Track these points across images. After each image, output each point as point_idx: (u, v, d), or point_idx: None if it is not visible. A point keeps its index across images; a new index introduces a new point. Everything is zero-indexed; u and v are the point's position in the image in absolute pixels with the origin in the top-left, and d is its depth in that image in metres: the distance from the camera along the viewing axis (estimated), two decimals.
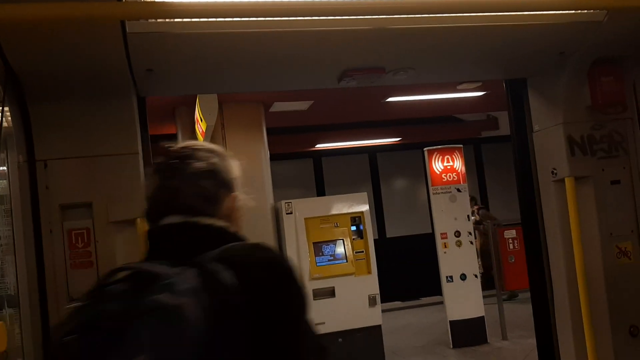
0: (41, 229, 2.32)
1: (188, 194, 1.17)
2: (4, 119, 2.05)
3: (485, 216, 9.19)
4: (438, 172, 7.42)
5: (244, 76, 2.67)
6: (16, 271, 2.13)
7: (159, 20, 2.07)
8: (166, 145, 1.24)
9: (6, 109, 2.15)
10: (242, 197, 1.26)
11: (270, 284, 1.08)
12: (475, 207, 9.37)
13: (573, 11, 2.41)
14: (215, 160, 1.22)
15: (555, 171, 2.94)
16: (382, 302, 6.32)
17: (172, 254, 1.10)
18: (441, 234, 7.29)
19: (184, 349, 0.95)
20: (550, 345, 3.08)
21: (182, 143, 1.25)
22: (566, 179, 2.87)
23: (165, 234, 1.16)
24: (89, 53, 2.10)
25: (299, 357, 1.08)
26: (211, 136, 5.31)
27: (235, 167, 1.27)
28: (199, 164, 1.18)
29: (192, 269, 1.03)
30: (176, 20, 2.08)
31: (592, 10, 2.42)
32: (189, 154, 1.20)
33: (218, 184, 1.20)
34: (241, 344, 1.01)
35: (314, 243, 5.99)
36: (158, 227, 1.18)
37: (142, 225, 2.38)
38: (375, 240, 6.86)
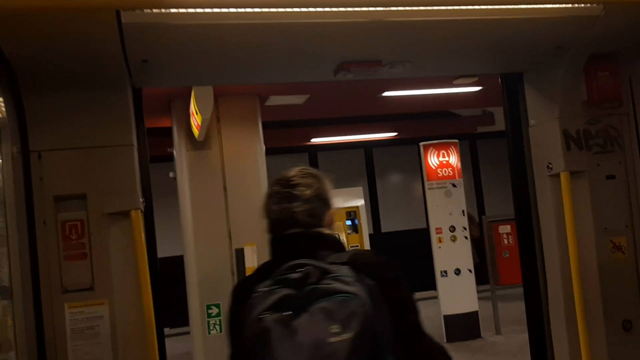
0: (35, 221, 2.30)
1: (303, 214, 1.56)
2: None
3: None
4: (433, 167, 7.44)
5: (240, 68, 2.66)
6: (9, 263, 2.13)
7: (154, 10, 2.05)
8: (281, 175, 1.64)
9: (0, 99, 2.13)
10: (335, 210, 1.67)
11: (392, 276, 1.51)
12: None
13: (570, 5, 2.41)
14: (318, 185, 1.62)
15: (550, 166, 2.94)
16: None
17: (300, 253, 1.47)
18: (436, 228, 7.31)
19: (362, 321, 1.32)
20: (543, 339, 3.09)
21: (292, 171, 1.64)
22: (561, 174, 2.87)
23: (292, 240, 1.55)
24: (84, 43, 2.09)
25: (421, 328, 1.50)
26: (206, 129, 5.29)
27: (330, 186, 1.67)
28: (308, 192, 1.58)
29: (345, 266, 1.43)
30: (172, 10, 2.07)
31: (588, 5, 2.42)
32: (299, 183, 1.59)
33: (322, 205, 1.61)
34: (388, 320, 1.41)
35: None
36: (284, 235, 1.57)
37: (137, 218, 2.38)
38: (370, 234, 6.89)
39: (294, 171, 1.64)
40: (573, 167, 2.88)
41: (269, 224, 1.60)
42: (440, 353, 1.53)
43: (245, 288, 1.49)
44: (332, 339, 1.28)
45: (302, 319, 1.32)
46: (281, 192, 1.59)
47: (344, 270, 1.41)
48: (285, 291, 1.36)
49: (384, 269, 1.50)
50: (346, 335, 1.29)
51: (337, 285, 1.35)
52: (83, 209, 2.36)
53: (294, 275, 1.39)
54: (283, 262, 1.46)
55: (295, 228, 1.55)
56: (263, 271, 1.52)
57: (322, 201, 1.60)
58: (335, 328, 1.29)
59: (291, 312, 1.33)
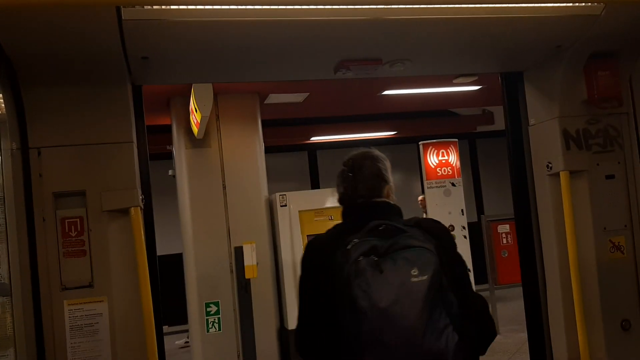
0: (34, 217, 2.30)
1: (363, 189, 1.95)
2: None
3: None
4: (433, 166, 7.44)
5: (240, 66, 2.65)
6: (8, 259, 2.12)
7: (154, 7, 2.05)
8: (347, 158, 2.01)
9: None
10: (393, 186, 2.02)
11: (448, 238, 1.90)
12: (421, 197, 8.00)
13: (570, 4, 2.41)
14: (379, 165, 1.99)
15: (550, 165, 2.94)
16: None
17: (372, 217, 1.84)
18: None
19: (433, 268, 1.69)
20: (541, 338, 3.10)
21: (356, 154, 2.01)
22: (561, 173, 2.87)
23: (361, 207, 1.93)
24: (84, 39, 2.09)
25: (468, 280, 1.88)
26: (206, 127, 5.28)
27: (388, 166, 2.02)
28: (369, 172, 1.96)
29: (414, 228, 1.81)
30: (172, 7, 2.07)
31: (589, 4, 2.41)
32: (361, 164, 1.97)
33: (381, 181, 1.98)
34: (448, 271, 1.76)
35: (308, 236, 5.98)
36: (355, 205, 1.95)
37: (136, 215, 2.38)
38: None
39: (357, 154, 2.02)
40: (573, 166, 2.88)
41: (339, 196, 2.01)
42: (482, 302, 1.92)
43: (324, 244, 1.88)
44: (414, 279, 1.67)
45: (387, 264, 1.69)
46: (346, 171, 1.99)
47: (415, 231, 1.80)
48: (374, 242, 1.74)
49: (442, 231, 1.90)
50: (424, 277, 1.67)
51: (413, 242, 1.74)
52: (82, 206, 2.36)
53: (380, 231, 1.78)
54: (356, 224, 1.82)
55: (360, 199, 1.94)
56: (338, 230, 1.90)
57: (380, 178, 1.98)
58: (415, 271, 1.67)
59: (378, 258, 1.70)
